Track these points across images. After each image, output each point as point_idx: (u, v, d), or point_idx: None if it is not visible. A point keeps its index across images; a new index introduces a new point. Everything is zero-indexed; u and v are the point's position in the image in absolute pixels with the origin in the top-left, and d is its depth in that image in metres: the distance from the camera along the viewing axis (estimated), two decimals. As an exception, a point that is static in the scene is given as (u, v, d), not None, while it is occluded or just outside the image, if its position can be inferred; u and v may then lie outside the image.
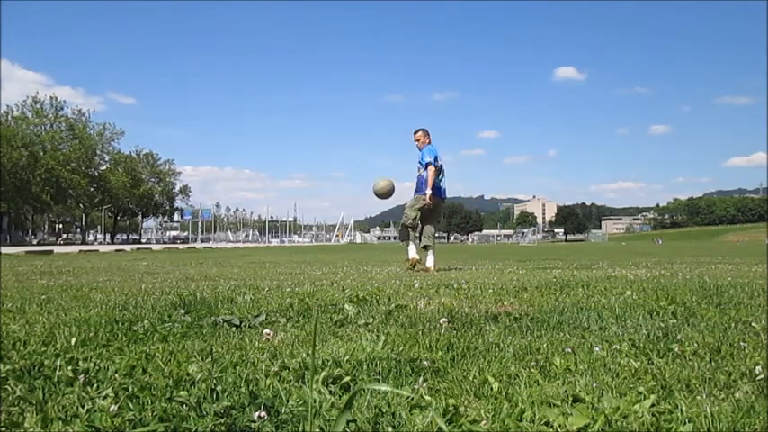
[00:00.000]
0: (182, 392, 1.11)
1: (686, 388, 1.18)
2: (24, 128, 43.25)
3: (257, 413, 0.98)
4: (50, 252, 16.25)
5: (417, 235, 6.02)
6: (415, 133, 6.26)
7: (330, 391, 1.13)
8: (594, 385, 1.19)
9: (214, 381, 1.22)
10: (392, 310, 2.37)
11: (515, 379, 1.27)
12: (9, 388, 1.18)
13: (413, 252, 6.08)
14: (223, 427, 0.95)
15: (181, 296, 3.02)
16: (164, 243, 60.32)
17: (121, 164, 57.59)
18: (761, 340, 1.65)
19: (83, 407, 1.05)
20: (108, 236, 67.16)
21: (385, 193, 6.16)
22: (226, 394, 1.11)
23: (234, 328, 1.98)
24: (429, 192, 5.80)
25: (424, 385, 1.19)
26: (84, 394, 1.14)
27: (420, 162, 5.99)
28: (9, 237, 45.92)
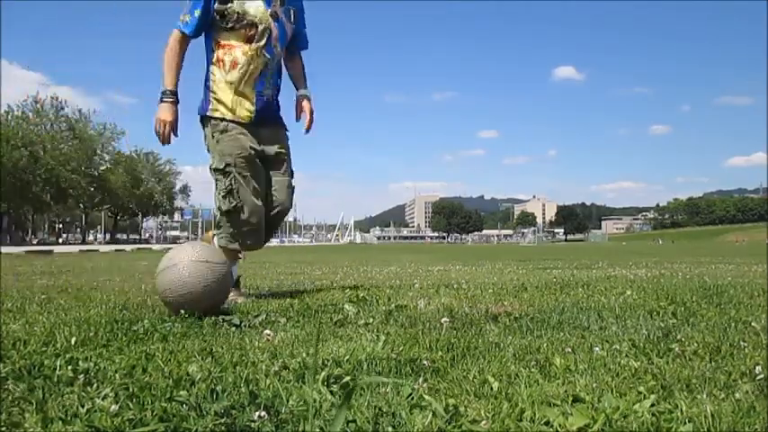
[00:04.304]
0: (182, 392, 1.11)
1: (686, 388, 1.18)
2: (25, 127, 43.24)
3: (257, 413, 0.98)
4: (50, 252, 16.26)
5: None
6: None
7: (330, 391, 1.13)
8: (594, 385, 1.19)
9: (214, 381, 1.22)
10: (392, 310, 2.37)
11: (515, 379, 1.27)
12: (9, 388, 1.18)
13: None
14: (223, 427, 0.95)
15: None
16: (149, 243, 60.33)
17: (121, 164, 57.58)
18: (761, 340, 1.65)
19: (83, 407, 1.05)
20: (107, 235, 67.16)
21: None
22: (226, 394, 1.11)
23: (234, 328, 1.98)
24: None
25: (425, 385, 1.19)
26: (84, 394, 1.14)
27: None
28: (9, 237, 45.91)
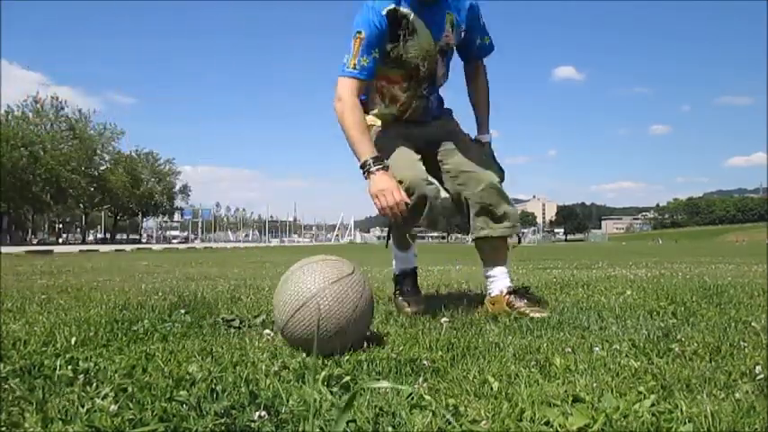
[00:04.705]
0: (182, 392, 1.11)
1: (686, 388, 1.18)
2: (25, 128, 43.25)
3: (257, 413, 0.98)
4: (50, 252, 16.27)
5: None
6: None
7: (330, 391, 1.13)
8: (594, 385, 1.19)
9: (214, 381, 1.22)
10: (392, 310, 2.37)
11: (515, 379, 1.27)
12: (9, 388, 1.18)
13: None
14: (223, 427, 0.95)
15: (181, 296, 3.02)
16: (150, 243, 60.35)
17: (121, 164, 57.62)
18: (761, 340, 1.65)
19: (83, 407, 1.05)
20: (107, 235, 67.20)
21: None
22: (226, 394, 1.11)
23: (234, 329, 1.98)
24: None
25: (425, 385, 1.19)
26: (84, 394, 1.14)
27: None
28: (9, 237, 45.93)
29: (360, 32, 2.09)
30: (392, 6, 2.11)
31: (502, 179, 2.35)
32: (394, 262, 2.57)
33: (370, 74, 2.14)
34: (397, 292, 2.49)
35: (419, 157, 2.27)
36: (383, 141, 2.28)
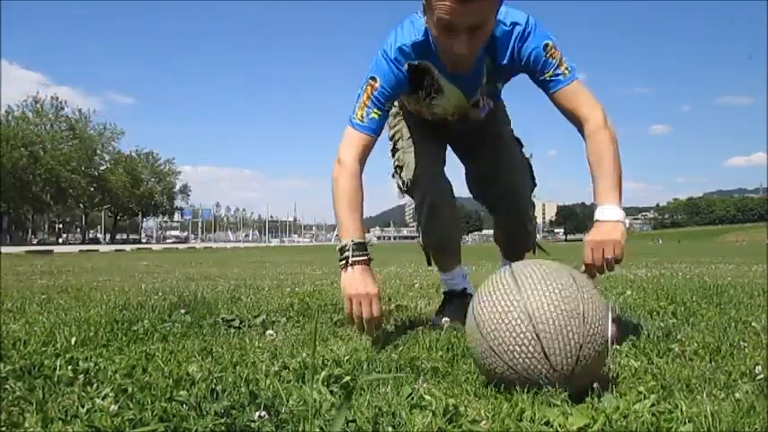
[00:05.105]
0: (182, 392, 1.11)
1: (686, 388, 1.18)
2: (25, 128, 43.29)
3: (257, 413, 0.98)
4: (50, 252, 16.27)
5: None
6: None
7: (330, 391, 1.13)
8: (595, 385, 1.19)
9: (214, 381, 1.22)
10: (392, 310, 2.37)
11: (515, 379, 1.26)
12: (9, 388, 1.18)
13: None
14: (223, 427, 0.95)
15: (181, 296, 3.02)
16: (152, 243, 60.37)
17: (121, 164, 57.69)
18: (761, 340, 1.65)
19: (83, 407, 1.05)
20: (107, 235, 67.26)
21: None
22: (226, 394, 1.11)
23: (234, 329, 1.98)
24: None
25: (425, 385, 1.19)
26: (84, 394, 1.14)
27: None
28: (9, 237, 45.96)
29: (373, 79, 1.74)
30: (415, 63, 1.74)
31: (532, 189, 2.22)
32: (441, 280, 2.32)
33: (379, 130, 1.80)
34: (439, 310, 2.23)
35: (443, 159, 2.12)
36: (409, 125, 2.09)
